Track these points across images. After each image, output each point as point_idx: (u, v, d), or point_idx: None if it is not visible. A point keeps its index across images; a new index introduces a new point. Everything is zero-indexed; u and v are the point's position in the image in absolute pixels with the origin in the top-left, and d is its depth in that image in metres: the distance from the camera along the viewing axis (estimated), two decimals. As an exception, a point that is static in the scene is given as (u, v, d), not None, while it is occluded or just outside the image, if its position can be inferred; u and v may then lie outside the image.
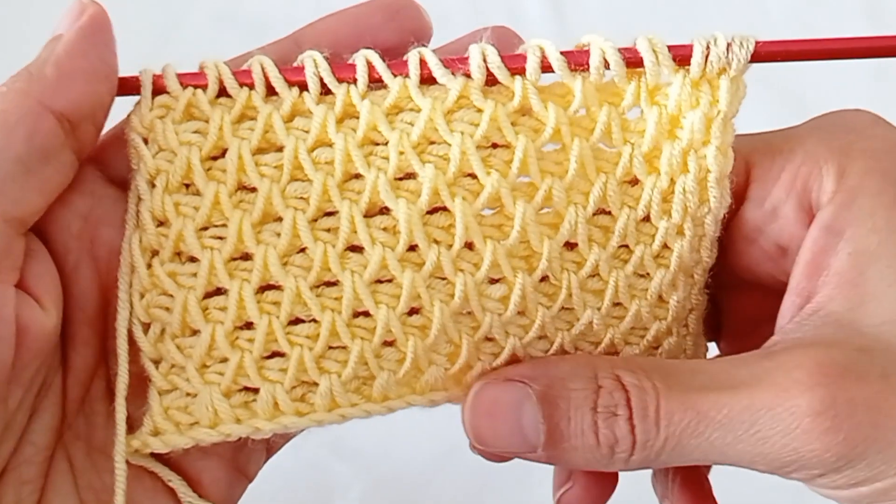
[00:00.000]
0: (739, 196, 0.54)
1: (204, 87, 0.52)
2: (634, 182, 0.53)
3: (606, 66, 0.51)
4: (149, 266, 0.52)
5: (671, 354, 0.57)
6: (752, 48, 0.51)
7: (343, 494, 0.97)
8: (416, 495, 0.98)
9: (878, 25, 1.08)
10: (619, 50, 0.51)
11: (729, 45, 0.51)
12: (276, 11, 1.10)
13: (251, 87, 0.52)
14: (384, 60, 0.51)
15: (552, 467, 0.61)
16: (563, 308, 0.54)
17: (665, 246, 0.54)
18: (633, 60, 0.52)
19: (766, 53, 0.52)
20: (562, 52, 0.51)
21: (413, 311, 0.53)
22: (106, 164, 0.53)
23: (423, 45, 0.52)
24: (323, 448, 0.98)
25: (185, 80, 0.52)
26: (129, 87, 0.52)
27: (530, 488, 0.93)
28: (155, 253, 0.52)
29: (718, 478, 0.64)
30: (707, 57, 0.51)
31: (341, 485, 0.97)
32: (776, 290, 0.54)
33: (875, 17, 1.08)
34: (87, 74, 0.49)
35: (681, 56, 0.52)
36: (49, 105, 0.48)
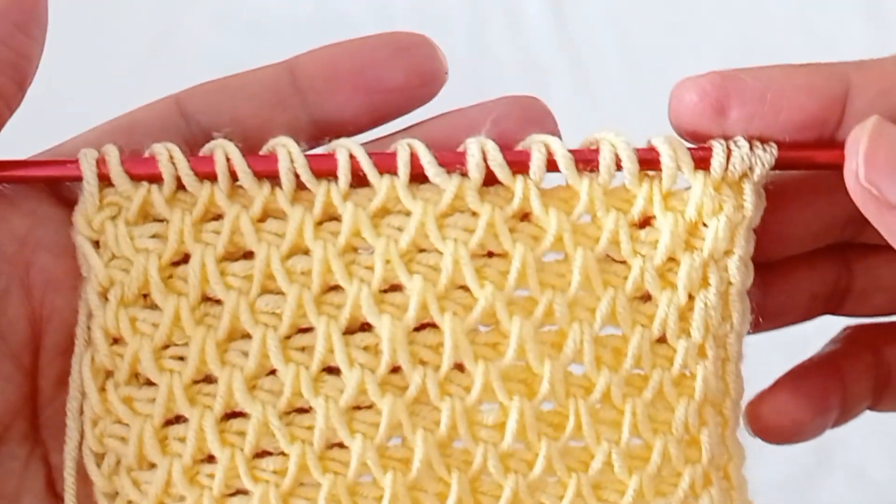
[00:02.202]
0: None
1: (159, 180, 0.47)
2: (646, 298, 0.49)
3: (618, 167, 0.47)
4: (102, 389, 0.47)
5: None
6: (776, 152, 0.47)
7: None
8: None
9: (878, 26, 1.07)
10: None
11: (752, 146, 0.47)
12: (276, 11, 1.10)
13: (213, 176, 0.47)
14: (369, 156, 0.47)
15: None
16: (573, 441, 0.48)
17: (686, 369, 0.49)
18: (646, 160, 0.47)
19: (789, 160, 0.48)
20: (570, 150, 0.47)
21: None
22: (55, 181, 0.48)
23: (429, 93, 0.48)
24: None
25: (135, 167, 0.47)
26: (67, 171, 0.47)
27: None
28: (109, 374, 0.48)
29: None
30: (729, 157, 0.47)
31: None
32: None
33: (876, 18, 1.08)
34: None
35: (697, 158, 0.47)
36: None
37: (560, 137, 0.49)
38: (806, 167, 0.48)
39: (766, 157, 0.47)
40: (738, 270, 0.48)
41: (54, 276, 0.48)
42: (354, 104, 0.49)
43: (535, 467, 0.48)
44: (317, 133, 0.49)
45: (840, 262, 0.55)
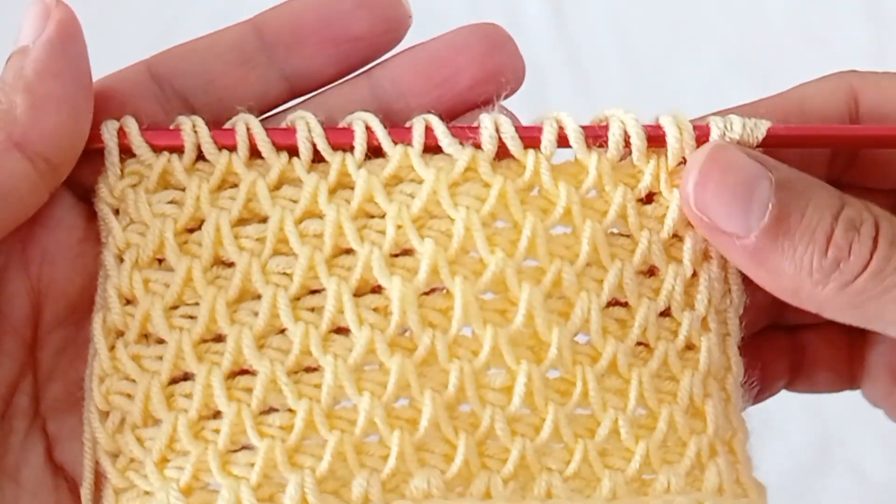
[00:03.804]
0: None
1: (179, 150, 0.48)
2: (651, 273, 0.50)
3: (627, 144, 0.48)
4: (112, 348, 0.48)
5: (717, 485, 0.49)
6: (764, 130, 0.48)
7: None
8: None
9: (878, 25, 1.07)
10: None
11: (744, 125, 0.48)
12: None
13: (232, 148, 0.48)
14: (384, 126, 0.48)
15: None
16: (580, 408, 0.49)
17: (690, 342, 0.49)
18: (653, 137, 0.48)
19: (775, 138, 0.49)
20: (580, 126, 0.48)
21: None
22: None
23: (396, 38, 0.49)
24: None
25: (158, 138, 0.48)
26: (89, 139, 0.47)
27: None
28: (121, 334, 0.48)
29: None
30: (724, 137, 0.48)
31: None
32: None
33: (875, 17, 1.08)
34: (63, 101, 0.45)
35: (699, 137, 0.49)
36: (21, 143, 0.44)
37: (522, 61, 0.50)
38: (796, 145, 0.49)
39: (757, 133, 0.48)
40: None
41: (49, 250, 0.48)
42: (322, 56, 0.50)
43: (542, 432, 0.48)
44: (288, 87, 0.50)
45: (789, 342, 0.57)
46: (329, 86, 0.51)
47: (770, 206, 0.45)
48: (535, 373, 0.48)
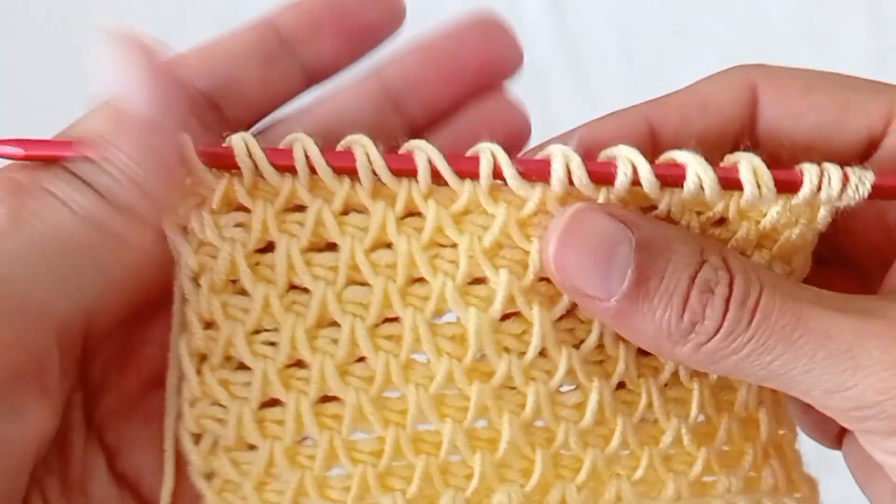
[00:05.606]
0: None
1: (239, 172, 0.47)
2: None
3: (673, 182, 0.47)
4: (198, 372, 0.49)
5: (772, 484, 0.52)
6: (869, 187, 0.47)
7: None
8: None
9: (879, 26, 1.07)
10: (716, 169, 0.47)
11: (845, 183, 0.47)
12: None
13: (291, 169, 0.47)
14: (446, 159, 0.47)
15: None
16: (644, 419, 0.51)
17: None
18: (729, 182, 0.47)
19: (886, 189, 0.47)
20: (653, 168, 0.47)
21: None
22: None
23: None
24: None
25: (213, 160, 0.47)
26: None
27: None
28: (204, 358, 0.49)
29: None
30: (818, 190, 0.47)
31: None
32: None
33: (876, 18, 1.08)
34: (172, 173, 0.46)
35: (785, 181, 0.47)
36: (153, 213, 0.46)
37: (520, 45, 0.52)
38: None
39: (856, 195, 0.47)
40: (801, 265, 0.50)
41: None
42: (338, 48, 0.51)
43: (612, 442, 0.50)
44: (306, 79, 0.52)
45: None
46: (339, 83, 0.52)
47: (629, 270, 0.46)
48: (606, 388, 0.49)
